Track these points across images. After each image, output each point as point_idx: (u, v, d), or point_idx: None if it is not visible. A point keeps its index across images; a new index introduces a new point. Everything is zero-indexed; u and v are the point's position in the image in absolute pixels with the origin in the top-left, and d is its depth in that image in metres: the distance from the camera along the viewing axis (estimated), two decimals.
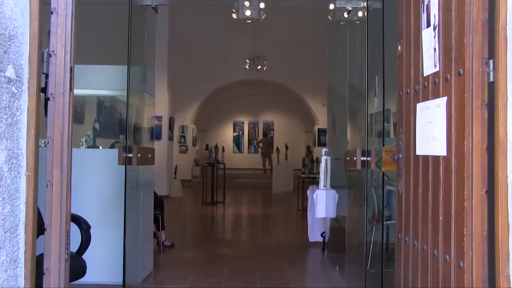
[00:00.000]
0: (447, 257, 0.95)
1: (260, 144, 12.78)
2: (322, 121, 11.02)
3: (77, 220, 1.75)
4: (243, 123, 15.29)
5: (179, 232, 4.77)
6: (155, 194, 3.33)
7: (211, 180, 7.52)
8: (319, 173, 3.78)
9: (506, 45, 0.92)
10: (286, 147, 10.55)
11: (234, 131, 15.26)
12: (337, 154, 3.66)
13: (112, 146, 3.38)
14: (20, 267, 0.99)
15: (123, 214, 2.23)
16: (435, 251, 1.04)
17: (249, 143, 15.17)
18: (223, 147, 8.45)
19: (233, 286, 2.62)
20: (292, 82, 11.12)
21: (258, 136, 15.18)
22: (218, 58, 10.91)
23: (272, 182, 10.06)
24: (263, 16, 7.81)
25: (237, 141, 15.22)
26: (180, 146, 11.24)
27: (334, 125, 4.30)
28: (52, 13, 1.16)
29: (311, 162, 6.85)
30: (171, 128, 8.84)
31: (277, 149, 10.45)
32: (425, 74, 1.28)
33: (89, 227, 1.79)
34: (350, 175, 2.94)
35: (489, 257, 0.89)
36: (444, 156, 1.05)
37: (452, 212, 0.97)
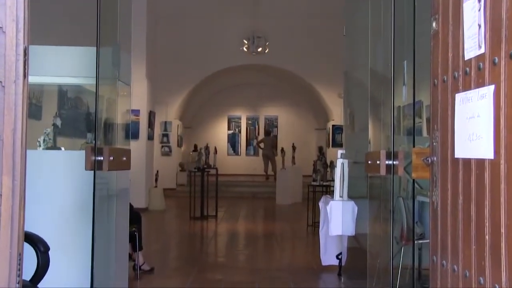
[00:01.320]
0: (497, 287, 0.94)
1: (261, 145, 12.82)
2: (337, 116, 11.05)
3: (32, 240, 1.72)
4: (239, 119, 15.32)
5: (160, 254, 4.77)
6: (130, 206, 3.31)
7: (200, 189, 7.55)
8: (333, 181, 3.78)
9: None
10: (293, 148, 10.55)
11: (229, 129, 15.29)
12: (356, 157, 3.65)
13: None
14: None
15: (91, 232, 2.21)
16: (481, 278, 1.00)
17: (248, 143, 15.21)
18: (215, 148, 8.47)
19: None
20: (300, 68, 11.14)
21: (258, 134, 15.23)
22: (209, 38, 10.93)
23: (276, 192, 10.11)
24: None
25: (233, 140, 15.26)
26: (162, 147, 11.26)
27: (352, 121, 4.30)
28: None
29: (324, 167, 6.86)
30: (151, 125, 8.86)
31: (282, 150, 10.46)
32: (466, 58, 1.25)
33: (47, 248, 1.76)
34: (372, 183, 2.93)
35: None
36: (491, 160, 1.02)
37: (502, 230, 0.94)
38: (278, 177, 10.11)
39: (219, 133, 15.13)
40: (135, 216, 3.69)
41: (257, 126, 15.33)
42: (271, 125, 15.29)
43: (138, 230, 3.78)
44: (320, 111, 13.11)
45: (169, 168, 11.09)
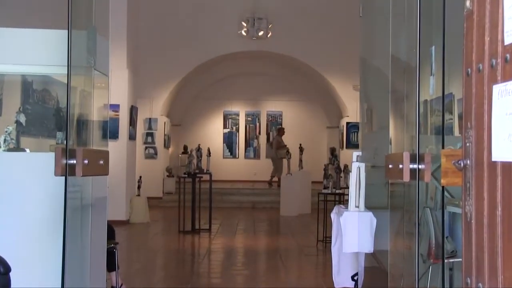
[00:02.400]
0: None
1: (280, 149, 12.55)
2: (352, 112, 11.07)
3: None
4: (237, 115, 15.35)
5: (143, 275, 4.79)
6: None
7: (191, 198, 7.60)
8: (348, 188, 3.78)
9: None
10: (301, 150, 10.55)
11: (224, 127, 15.33)
12: (374, 160, 3.65)
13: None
14: None
15: (62, 250, 2.20)
16: None
17: (247, 144, 15.24)
18: (208, 150, 8.48)
19: None
20: (308, 55, 11.16)
21: (259, 133, 15.25)
22: (201, 21, 10.95)
23: (280, 201, 10.12)
24: None
25: (229, 141, 15.29)
26: (146, 148, 11.28)
27: (370, 117, 4.30)
28: None
29: (337, 172, 6.87)
30: (132, 122, 8.88)
31: (287, 152, 10.47)
32: (506, 42, 1.24)
33: (8, 269, 1.75)
34: (393, 191, 2.93)
35: None
36: None
37: None
38: (283, 184, 10.12)
39: (213, 132, 15.15)
40: (108, 230, 3.68)
41: (258, 124, 15.36)
42: (274, 122, 15.32)
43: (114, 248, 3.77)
44: (332, 106, 13.13)
45: (154, 174, 11.11)
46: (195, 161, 8.19)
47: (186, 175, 7.76)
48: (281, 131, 12.68)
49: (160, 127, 11.44)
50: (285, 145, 12.10)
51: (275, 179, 12.26)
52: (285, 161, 10.71)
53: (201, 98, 14.72)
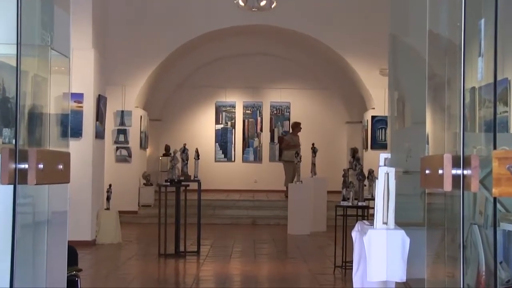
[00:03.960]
0: None
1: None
2: (379, 103, 11.08)
3: None
4: (233, 107, 15.39)
5: None
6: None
7: (174, 212, 7.65)
8: (373, 200, 3.77)
9: None
10: (313, 151, 10.56)
11: (217, 122, 15.37)
12: (407, 164, 3.64)
13: None
14: None
15: (9, 278, 2.19)
16: None
17: (246, 144, 15.27)
18: (197, 151, 8.48)
19: None
20: (323, 32, 11.18)
21: (261, 130, 15.26)
22: None
23: (288, 216, 10.14)
24: None
25: (223, 139, 15.33)
26: (118, 149, 11.30)
27: (402, 109, 4.29)
28: None
29: (360, 179, 6.88)
30: (100, 116, 8.89)
31: (296, 154, 10.48)
32: None
33: None
34: (432, 204, 2.93)
35: None
36: None
37: None
38: (291, 195, 10.13)
39: (203, 128, 15.18)
40: (68, 253, 3.69)
41: (259, 118, 15.38)
42: (280, 116, 15.34)
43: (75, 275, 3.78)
44: (354, 95, 13.15)
45: (127, 181, 11.11)
46: (179, 165, 8.18)
47: (168, 183, 7.76)
48: (296, 128, 12.65)
49: (135, 122, 11.45)
50: (296, 145, 12.05)
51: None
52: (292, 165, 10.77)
53: (187, 86, 14.74)
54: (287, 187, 12.12)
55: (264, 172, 14.95)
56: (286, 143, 12.51)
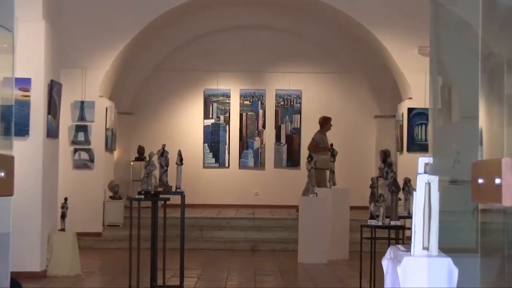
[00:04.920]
0: None
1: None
2: (418, 92, 11.07)
3: None
4: (227, 97, 15.41)
5: None
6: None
7: (150, 234, 7.63)
8: (410, 217, 3.75)
9: None
10: (332, 155, 10.54)
11: (206, 116, 15.38)
12: (454, 171, 3.62)
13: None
14: None
15: None
16: None
17: (244, 145, 15.27)
18: (179, 155, 8.45)
19: None
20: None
21: (263, 127, 15.24)
22: None
23: (299, 239, 10.12)
24: None
25: (214, 138, 15.34)
26: (76, 152, 11.30)
27: (448, 100, 4.27)
28: None
29: (393, 191, 6.87)
30: (52, 108, 8.88)
31: (309, 157, 10.45)
32: None
33: None
34: (487, 223, 2.93)
35: None
36: None
37: None
38: (303, 211, 10.11)
39: (188, 124, 15.19)
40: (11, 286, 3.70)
41: (261, 111, 15.38)
42: (289, 109, 15.34)
43: None
44: (385, 82, 13.11)
45: (89, 194, 11.11)
46: (157, 172, 8.16)
47: (143, 197, 7.74)
48: (326, 124, 12.55)
49: (99, 116, 11.45)
50: (326, 147, 11.97)
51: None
52: (301, 172, 10.71)
53: (166, 69, 14.75)
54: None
55: (268, 182, 14.94)
56: (315, 145, 12.28)
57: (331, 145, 10.93)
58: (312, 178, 10.32)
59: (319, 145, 12.15)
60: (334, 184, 10.50)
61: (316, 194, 10.17)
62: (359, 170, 13.68)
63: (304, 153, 12.74)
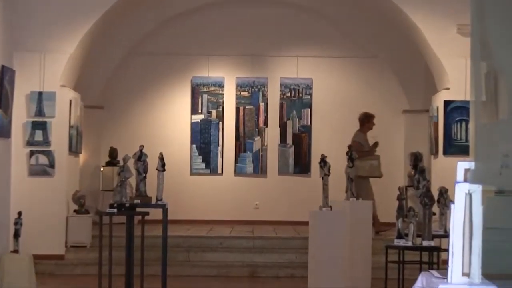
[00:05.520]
0: None
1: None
2: (457, 82, 11.09)
3: None
4: (221, 86, 15.40)
5: None
6: None
7: (125, 256, 7.62)
8: (447, 237, 3.73)
9: None
10: (350, 158, 10.51)
11: (195, 110, 15.39)
12: (501, 179, 3.61)
13: None
14: None
15: None
16: None
17: (240, 147, 15.25)
18: (161, 159, 8.46)
19: None
20: None
21: (265, 124, 15.23)
22: None
23: (309, 262, 10.08)
24: None
25: (204, 139, 15.34)
26: (33, 154, 11.27)
27: (493, 91, 4.27)
28: None
29: (425, 204, 6.88)
30: (3, 100, 8.86)
31: (323, 161, 10.43)
32: None
33: None
34: None
35: None
36: None
37: None
38: (314, 228, 10.09)
39: (171, 121, 15.21)
40: None
41: (262, 104, 15.39)
42: (297, 102, 15.33)
43: None
44: (416, 68, 13.14)
45: (48, 207, 11.09)
46: (133, 180, 8.15)
47: (115, 210, 7.75)
48: (367, 123, 12.64)
49: (62, 111, 11.43)
50: (371, 149, 11.98)
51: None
52: (314, 180, 10.68)
53: (143, 53, 14.76)
54: (376, 219, 12.07)
55: (271, 192, 14.94)
56: (359, 148, 12.13)
57: (349, 147, 10.84)
58: (326, 189, 10.31)
59: (363, 148, 12.23)
60: (353, 195, 10.49)
61: (331, 207, 10.17)
62: (383, 177, 13.63)
63: (316, 156, 12.70)
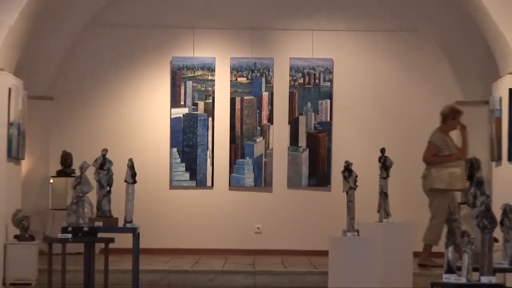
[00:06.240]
0: None
1: None
2: None
3: None
4: (210, 69, 15.43)
5: None
6: None
7: None
8: None
9: None
10: (383, 166, 10.50)
11: (175, 103, 15.42)
12: None
13: None
14: None
15: None
16: None
17: (236, 151, 15.28)
18: (131, 167, 8.49)
19: None
20: None
21: (269, 121, 15.24)
22: None
23: None
24: None
25: (189, 140, 15.34)
26: None
27: None
28: None
29: (484, 227, 6.88)
30: None
31: (348, 170, 10.42)
32: None
33: None
34: None
35: None
36: None
37: None
38: (335, 259, 10.07)
39: (144, 116, 15.22)
40: None
41: (266, 93, 15.39)
42: (312, 90, 15.32)
43: None
44: (472, 49, 13.14)
45: None
46: (93, 196, 8.15)
47: (70, 236, 7.75)
48: (450, 119, 12.77)
49: None
50: (459, 154, 12.09)
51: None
52: (336, 194, 10.68)
53: (107, 27, 14.83)
54: (427, 249, 12.19)
55: (277, 212, 14.96)
56: (434, 152, 12.40)
57: (382, 150, 10.81)
58: (352, 207, 10.31)
59: (443, 152, 12.36)
60: (388, 214, 10.51)
61: (358, 232, 10.18)
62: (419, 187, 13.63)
63: (338, 163, 12.71)
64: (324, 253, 10.17)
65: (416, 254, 10.65)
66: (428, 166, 12.20)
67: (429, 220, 12.23)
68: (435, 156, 12.17)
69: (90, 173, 8.24)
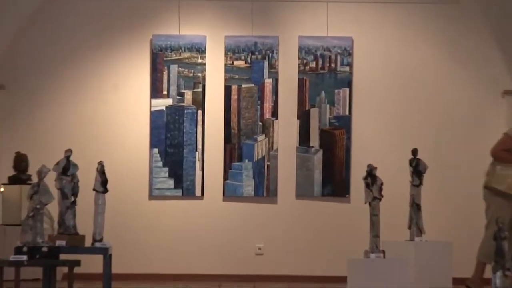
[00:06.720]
0: None
1: None
2: None
3: None
4: (200, 51, 15.48)
5: None
6: None
7: None
8: None
9: None
10: (415, 170, 10.52)
11: (157, 92, 15.50)
12: None
13: None
14: None
15: None
16: None
17: (233, 153, 15.35)
18: (101, 172, 8.48)
19: None
20: None
21: (270, 114, 15.25)
22: None
23: None
24: None
25: (173, 140, 15.40)
26: None
27: None
28: None
29: None
30: None
31: (370, 176, 10.42)
32: None
33: None
34: None
35: None
36: None
37: None
38: (353, 283, 10.13)
39: (118, 109, 15.27)
40: None
41: (269, 80, 15.43)
42: (326, 76, 15.31)
43: None
44: None
45: None
46: (54, 208, 8.15)
47: (25, 257, 7.75)
48: None
49: None
50: None
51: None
52: (356, 202, 10.69)
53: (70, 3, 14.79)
54: (480, 268, 12.18)
55: (284, 228, 14.97)
56: (508, 145, 12.48)
57: (414, 151, 10.86)
58: (376, 221, 10.30)
59: None
60: (421, 231, 10.51)
61: (384, 253, 10.19)
62: (471, 200, 13.63)
63: (359, 167, 12.71)
64: (342, 279, 10.21)
65: (456, 281, 10.64)
66: (494, 162, 12.18)
67: (484, 229, 12.18)
68: (505, 151, 12.13)
69: (51, 180, 8.24)
